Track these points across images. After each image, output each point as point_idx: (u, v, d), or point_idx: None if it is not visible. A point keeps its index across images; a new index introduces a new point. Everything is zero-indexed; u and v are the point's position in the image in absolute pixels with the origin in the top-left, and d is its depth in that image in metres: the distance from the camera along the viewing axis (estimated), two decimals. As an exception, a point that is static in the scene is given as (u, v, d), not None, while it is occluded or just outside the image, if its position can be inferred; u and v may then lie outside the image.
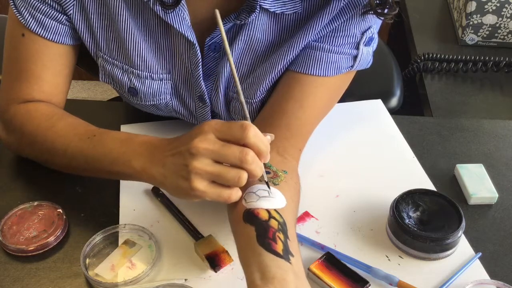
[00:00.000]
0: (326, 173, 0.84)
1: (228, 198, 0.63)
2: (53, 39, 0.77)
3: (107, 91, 2.28)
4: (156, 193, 0.79)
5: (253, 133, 0.60)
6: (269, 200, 0.63)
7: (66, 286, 0.69)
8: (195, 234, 0.73)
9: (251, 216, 0.62)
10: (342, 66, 0.77)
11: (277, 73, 0.78)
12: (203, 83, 0.80)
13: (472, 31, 1.33)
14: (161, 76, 0.80)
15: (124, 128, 0.91)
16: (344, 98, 0.89)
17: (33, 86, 0.79)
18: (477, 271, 0.71)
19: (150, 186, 0.80)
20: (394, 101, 1.18)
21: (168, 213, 0.77)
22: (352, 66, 0.78)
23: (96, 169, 0.73)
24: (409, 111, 1.10)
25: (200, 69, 0.78)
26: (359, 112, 0.97)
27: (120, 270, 0.69)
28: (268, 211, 0.62)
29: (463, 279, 0.69)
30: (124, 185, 0.81)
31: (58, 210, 0.76)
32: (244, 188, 0.64)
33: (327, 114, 0.81)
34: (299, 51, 0.76)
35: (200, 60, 0.77)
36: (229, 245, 0.72)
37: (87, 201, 0.79)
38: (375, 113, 0.97)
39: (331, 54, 0.76)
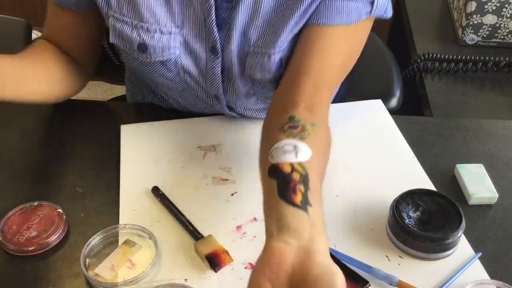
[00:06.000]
0: (326, 173, 0.84)
1: None
2: None
3: (107, 91, 2.28)
4: (156, 193, 0.79)
5: None
6: (294, 154, 0.63)
7: (66, 286, 0.69)
8: (195, 234, 0.73)
9: (274, 170, 0.62)
10: (360, 13, 0.78)
11: (295, 21, 0.78)
12: (216, 30, 0.80)
13: (472, 31, 1.33)
14: (170, 29, 0.80)
15: (124, 128, 0.91)
16: (344, 98, 0.89)
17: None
18: (477, 271, 0.71)
19: (150, 186, 0.80)
20: (393, 102, 1.18)
21: (168, 213, 0.77)
22: (370, 12, 0.78)
23: None
24: (409, 111, 1.10)
25: (213, 16, 0.78)
26: (359, 112, 0.97)
27: (120, 270, 0.69)
28: (291, 164, 0.62)
29: (463, 279, 0.69)
30: (124, 185, 0.81)
31: (58, 210, 0.76)
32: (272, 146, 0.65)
33: (351, 65, 0.82)
34: None
35: (213, 6, 0.78)
36: (229, 245, 0.72)
37: (87, 201, 0.79)
38: (375, 113, 0.97)
39: (348, 2, 0.76)
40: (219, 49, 0.81)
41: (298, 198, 0.59)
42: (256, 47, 0.80)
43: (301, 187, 0.60)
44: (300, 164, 0.63)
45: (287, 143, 0.65)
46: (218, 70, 0.84)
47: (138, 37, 0.80)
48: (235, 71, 0.83)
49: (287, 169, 0.62)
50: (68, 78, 0.89)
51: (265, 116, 0.96)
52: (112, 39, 0.82)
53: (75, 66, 0.91)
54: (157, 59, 0.82)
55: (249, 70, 0.83)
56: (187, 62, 0.83)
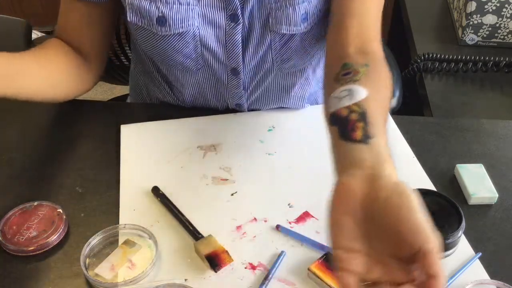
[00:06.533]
0: (326, 173, 0.84)
1: None
2: None
3: (107, 91, 2.28)
4: (156, 193, 0.79)
5: None
6: (349, 97, 0.64)
7: (66, 286, 0.69)
8: (195, 234, 0.73)
9: (333, 117, 0.64)
10: None
11: None
12: None
13: (472, 31, 1.33)
14: (188, 0, 0.81)
15: (124, 128, 0.91)
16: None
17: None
18: (477, 271, 0.71)
19: (150, 186, 0.80)
20: (393, 102, 1.18)
21: (168, 213, 0.77)
22: None
23: None
24: (409, 111, 1.10)
25: None
26: (359, 112, 0.97)
27: (120, 270, 0.69)
28: (348, 107, 0.64)
29: (463, 279, 0.69)
30: (124, 185, 0.81)
31: (58, 210, 0.76)
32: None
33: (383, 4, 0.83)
34: None
35: None
36: (229, 245, 0.72)
37: (87, 201, 0.79)
38: (375, 113, 0.97)
39: None
40: (240, 16, 0.82)
41: (358, 135, 0.60)
42: (278, 2, 0.82)
43: (359, 124, 0.61)
44: (356, 104, 0.64)
45: (341, 89, 0.66)
46: (239, 37, 0.85)
47: (157, 10, 0.81)
48: (256, 34, 0.85)
49: (344, 112, 0.63)
50: (79, 76, 0.90)
51: (270, 108, 0.97)
52: (130, 17, 0.83)
53: (86, 65, 0.91)
54: (176, 31, 0.83)
55: (274, 26, 0.84)
56: (205, 34, 0.84)
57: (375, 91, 0.67)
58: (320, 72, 1.00)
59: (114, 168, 0.84)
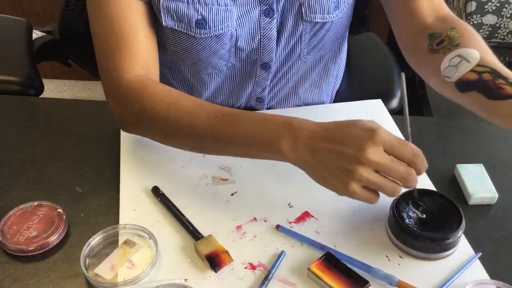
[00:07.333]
0: (326, 173, 0.84)
1: (375, 203, 0.66)
2: None
3: (107, 91, 2.27)
4: (156, 193, 0.79)
5: (422, 161, 0.64)
6: (464, 61, 0.64)
7: (66, 286, 0.69)
8: (195, 234, 0.73)
9: (463, 84, 0.64)
10: None
11: None
12: None
13: (472, 31, 1.33)
14: (225, 1, 0.82)
15: (124, 128, 0.91)
16: (344, 98, 0.89)
17: (132, 54, 0.79)
18: (477, 271, 0.71)
19: (150, 186, 0.80)
20: (394, 102, 1.18)
21: (168, 213, 0.77)
22: None
23: (228, 150, 0.74)
24: (409, 111, 1.10)
25: None
26: (359, 112, 0.97)
27: (120, 270, 0.69)
28: (472, 70, 0.63)
29: (463, 279, 0.69)
30: (124, 185, 0.81)
31: (58, 210, 0.76)
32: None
33: None
34: None
35: None
36: (229, 245, 0.72)
37: (87, 201, 0.79)
38: (375, 113, 0.97)
39: None
40: (275, 10, 0.83)
41: (509, 90, 0.61)
42: None
43: (500, 81, 0.62)
44: (478, 65, 0.64)
45: (450, 58, 0.66)
46: (274, 32, 0.86)
47: (196, 13, 0.81)
48: (288, 26, 0.86)
49: (473, 76, 0.63)
50: None
51: (287, 101, 0.98)
52: (165, 21, 0.82)
53: None
54: (215, 33, 0.83)
55: (307, 16, 0.85)
56: (241, 33, 0.85)
57: (479, 46, 0.67)
58: (341, 61, 1.00)
59: (114, 168, 0.84)
